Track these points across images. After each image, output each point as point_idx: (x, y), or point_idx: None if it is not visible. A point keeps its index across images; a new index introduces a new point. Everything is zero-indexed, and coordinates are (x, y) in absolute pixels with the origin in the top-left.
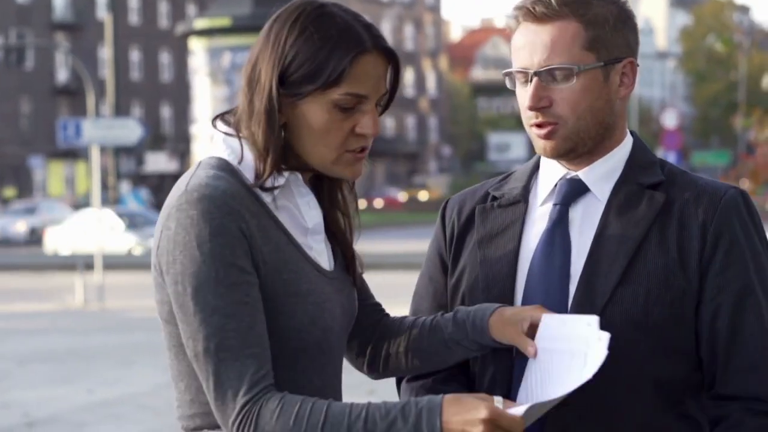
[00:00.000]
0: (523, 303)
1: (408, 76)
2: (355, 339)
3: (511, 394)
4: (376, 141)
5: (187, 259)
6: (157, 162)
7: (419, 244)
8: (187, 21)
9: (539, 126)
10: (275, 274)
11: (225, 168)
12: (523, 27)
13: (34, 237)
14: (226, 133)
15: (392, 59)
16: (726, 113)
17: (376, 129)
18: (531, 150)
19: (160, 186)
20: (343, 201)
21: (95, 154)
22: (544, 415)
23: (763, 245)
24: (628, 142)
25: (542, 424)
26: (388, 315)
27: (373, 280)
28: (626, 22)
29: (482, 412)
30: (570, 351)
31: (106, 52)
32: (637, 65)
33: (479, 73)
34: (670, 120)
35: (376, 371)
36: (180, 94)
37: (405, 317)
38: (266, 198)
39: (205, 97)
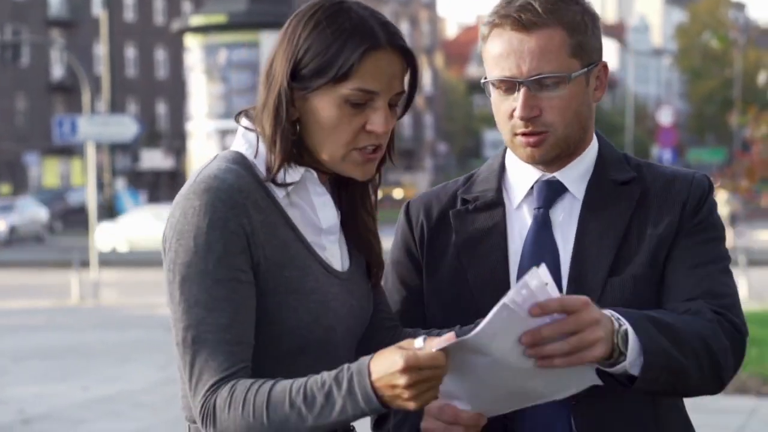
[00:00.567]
0: None
1: None
2: (368, 348)
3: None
4: None
5: (182, 248)
6: (153, 159)
7: (388, 243)
8: (182, 17)
9: (527, 135)
10: (277, 270)
11: (239, 161)
12: (505, 35)
13: (14, 236)
14: (246, 128)
15: (409, 59)
16: (721, 110)
17: (387, 127)
18: None
19: (155, 183)
20: (370, 203)
21: (91, 151)
22: (532, 410)
23: (720, 221)
24: (595, 140)
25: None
26: (400, 327)
27: None
28: (597, 25)
29: (399, 363)
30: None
31: (101, 49)
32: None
33: (475, 70)
34: (665, 117)
35: None
36: (175, 90)
37: (417, 330)
38: (279, 193)
39: (201, 94)
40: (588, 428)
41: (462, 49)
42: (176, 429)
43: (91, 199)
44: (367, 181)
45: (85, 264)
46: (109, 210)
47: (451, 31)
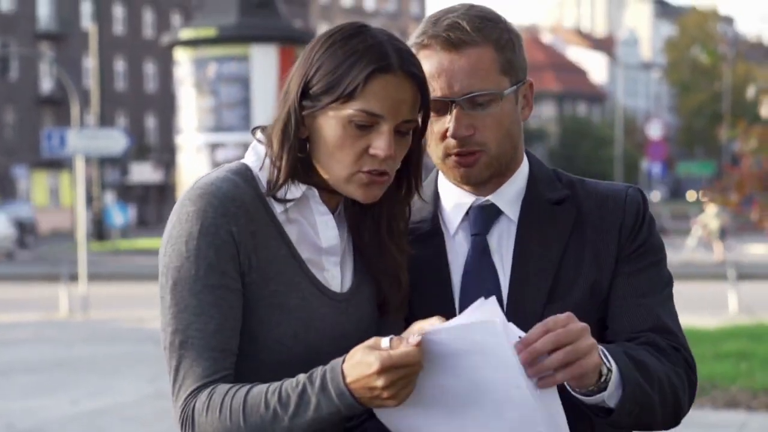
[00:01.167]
0: None
1: None
2: None
3: None
4: None
5: (175, 253)
6: (142, 172)
7: None
8: (172, 31)
9: (460, 155)
10: (262, 282)
11: (241, 173)
12: (434, 55)
13: None
14: (259, 141)
15: (422, 88)
16: (710, 124)
17: (390, 151)
18: None
19: (145, 197)
20: (398, 235)
21: (80, 165)
22: None
23: (659, 238)
24: (525, 158)
25: None
26: None
27: None
28: (521, 44)
29: (375, 365)
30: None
31: (90, 62)
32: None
33: None
34: (654, 130)
35: None
36: (165, 104)
37: None
38: (278, 208)
39: (191, 107)
40: None
41: None
42: None
43: (81, 213)
44: (392, 212)
45: (73, 278)
46: (98, 223)
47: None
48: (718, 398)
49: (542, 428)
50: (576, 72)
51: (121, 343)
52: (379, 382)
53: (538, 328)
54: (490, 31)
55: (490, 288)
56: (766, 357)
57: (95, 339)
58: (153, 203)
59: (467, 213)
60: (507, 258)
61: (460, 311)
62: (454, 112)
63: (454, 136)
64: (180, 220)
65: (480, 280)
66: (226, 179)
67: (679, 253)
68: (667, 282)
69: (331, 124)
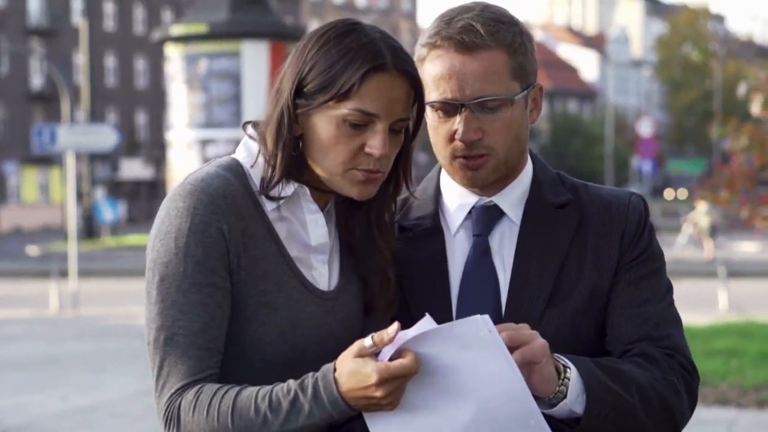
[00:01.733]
0: None
1: None
2: None
3: None
4: None
5: (163, 249)
6: (133, 168)
7: None
8: (163, 27)
9: (468, 158)
10: (250, 281)
11: (232, 169)
12: (447, 56)
13: None
14: (250, 136)
15: (416, 86)
16: (701, 122)
17: (385, 150)
18: None
19: (135, 193)
20: (387, 231)
21: (70, 161)
22: None
23: (659, 246)
24: (529, 161)
25: None
26: None
27: None
28: (533, 47)
29: (373, 377)
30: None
31: (81, 58)
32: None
33: None
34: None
35: None
36: (155, 100)
37: None
38: (268, 206)
39: (182, 103)
40: None
41: None
42: None
43: (71, 209)
44: (381, 207)
45: (63, 274)
46: (88, 220)
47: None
48: (708, 395)
49: (533, 421)
50: (567, 69)
51: (112, 340)
52: (378, 393)
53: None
54: (504, 34)
55: (489, 289)
56: (756, 354)
57: (85, 335)
58: (143, 199)
59: (470, 213)
60: (508, 260)
61: (458, 310)
62: (464, 115)
63: (462, 140)
64: (169, 215)
65: (480, 280)
66: (217, 175)
67: (669, 251)
68: (667, 289)
69: (325, 122)
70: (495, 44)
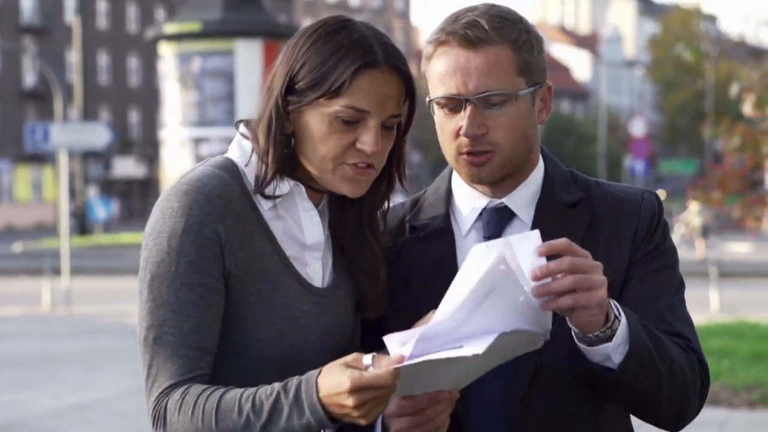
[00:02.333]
0: None
1: None
2: None
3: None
4: None
5: (156, 248)
6: (125, 167)
7: None
8: (156, 26)
9: (472, 154)
10: (248, 280)
11: (227, 168)
12: (451, 52)
13: None
14: (243, 135)
15: (407, 82)
16: (694, 122)
17: (377, 147)
18: None
19: (128, 191)
20: (378, 228)
21: (63, 159)
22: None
23: (672, 243)
24: (540, 159)
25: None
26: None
27: None
28: (542, 47)
29: (345, 384)
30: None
31: (74, 56)
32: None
33: None
34: (638, 128)
35: None
36: (148, 98)
37: None
38: (265, 205)
39: (175, 102)
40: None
41: None
42: None
43: (64, 207)
44: (373, 205)
45: (56, 271)
46: (81, 218)
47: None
48: None
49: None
50: (559, 69)
51: (104, 338)
52: (350, 401)
53: (544, 248)
54: (509, 31)
55: None
56: (748, 355)
57: (78, 333)
58: (136, 198)
59: (480, 214)
60: None
61: None
62: (468, 110)
63: (466, 135)
64: (164, 215)
65: None
66: (213, 175)
67: None
68: (679, 285)
69: (317, 119)
70: (499, 39)
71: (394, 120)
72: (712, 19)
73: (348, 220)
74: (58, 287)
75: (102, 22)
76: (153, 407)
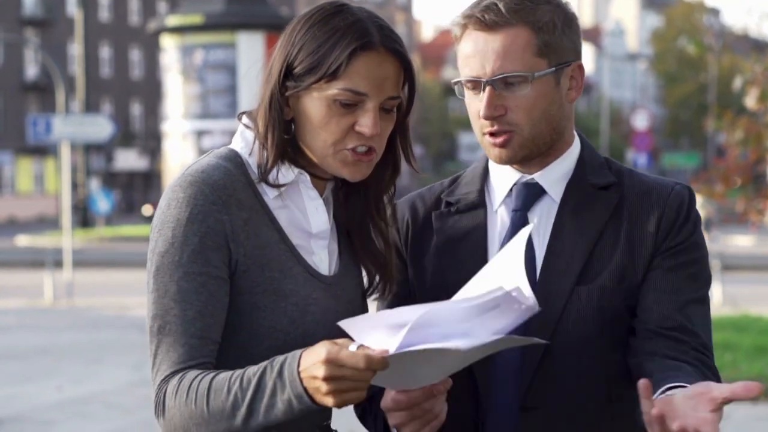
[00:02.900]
0: None
1: None
2: None
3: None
4: None
5: (162, 238)
6: (127, 159)
7: None
8: (158, 18)
9: (494, 134)
10: (257, 270)
11: (231, 158)
12: (472, 35)
13: None
14: (246, 125)
15: (405, 63)
16: (696, 115)
17: (376, 129)
18: None
19: (130, 183)
20: (385, 213)
21: (65, 151)
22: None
23: (702, 238)
24: (577, 142)
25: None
26: None
27: None
28: (571, 25)
29: (321, 354)
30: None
31: (76, 49)
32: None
33: (450, 73)
34: (640, 121)
35: None
36: (150, 91)
37: None
38: (270, 194)
39: (177, 94)
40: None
41: (438, 52)
42: (149, 430)
43: (66, 200)
44: (380, 191)
45: (58, 264)
46: (83, 210)
47: (426, 33)
48: None
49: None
50: None
51: (106, 330)
52: (320, 372)
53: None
54: (528, 12)
55: (526, 264)
56: (750, 348)
57: (80, 326)
58: (138, 190)
59: (511, 190)
60: (545, 236)
61: None
62: (486, 92)
63: (484, 116)
64: (169, 206)
65: None
66: (218, 166)
67: None
68: (704, 282)
69: (315, 103)
70: (516, 21)
71: (392, 102)
72: (715, 12)
73: (355, 206)
74: (60, 280)
75: (104, 14)
76: (155, 394)
